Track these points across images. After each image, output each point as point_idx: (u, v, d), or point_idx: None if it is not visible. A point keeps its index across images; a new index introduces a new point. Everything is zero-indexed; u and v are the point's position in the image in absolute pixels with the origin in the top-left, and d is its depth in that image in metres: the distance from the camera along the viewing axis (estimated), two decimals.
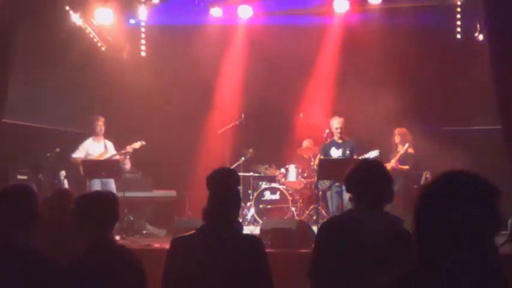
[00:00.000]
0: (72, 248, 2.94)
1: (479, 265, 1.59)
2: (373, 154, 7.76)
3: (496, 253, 1.67)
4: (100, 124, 8.40)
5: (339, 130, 8.31)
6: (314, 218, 8.34)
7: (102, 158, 8.26)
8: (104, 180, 8.11)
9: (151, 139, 8.68)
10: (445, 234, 1.60)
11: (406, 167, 8.10)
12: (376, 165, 2.95)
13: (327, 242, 2.86)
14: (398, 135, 8.30)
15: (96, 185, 8.03)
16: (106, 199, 2.89)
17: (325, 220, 7.77)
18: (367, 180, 2.81)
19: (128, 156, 8.42)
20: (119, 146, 8.54)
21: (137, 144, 8.34)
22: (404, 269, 1.67)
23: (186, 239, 2.93)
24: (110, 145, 8.51)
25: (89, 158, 8.21)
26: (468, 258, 1.59)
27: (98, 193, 3.18)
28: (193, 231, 2.93)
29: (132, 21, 9.82)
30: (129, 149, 8.33)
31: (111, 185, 8.21)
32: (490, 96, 6.66)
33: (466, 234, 1.59)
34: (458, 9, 8.84)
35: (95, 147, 8.37)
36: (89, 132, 8.53)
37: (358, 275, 2.66)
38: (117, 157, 8.28)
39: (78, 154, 8.28)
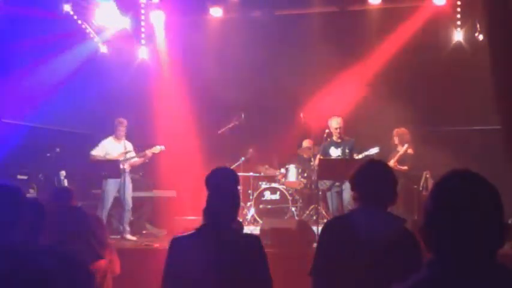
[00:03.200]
0: None
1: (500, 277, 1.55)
2: (373, 151, 7.76)
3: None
4: (122, 129, 8.31)
5: (337, 130, 8.30)
6: (314, 218, 8.34)
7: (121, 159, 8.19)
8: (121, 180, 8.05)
9: (151, 139, 8.67)
10: (463, 243, 1.54)
11: (405, 167, 8.10)
12: (383, 166, 2.93)
13: (330, 241, 2.85)
14: (397, 135, 8.30)
15: (111, 185, 8.04)
16: None
17: (326, 220, 7.83)
18: (373, 180, 2.80)
19: (133, 160, 8.35)
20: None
21: (157, 149, 8.30)
22: (416, 278, 1.59)
23: (186, 239, 2.92)
24: (130, 146, 8.41)
25: (108, 157, 8.17)
26: (489, 269, 1.55)
27: None
28: (193, 231, 2.93)
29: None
30: (148, 153, 8.29)
31: (128, 184, 8.14)
32: (490, 96, 6.65)
33: (482, 243, 1.55)
34: (458, 9, 8.83)
35: (115, 147, 8.28)
36: (89, 132, 8.52)
37: (360, 274, 2.66)
38: (136, 159, 8.30)
39: (97, 152, 8.22)
